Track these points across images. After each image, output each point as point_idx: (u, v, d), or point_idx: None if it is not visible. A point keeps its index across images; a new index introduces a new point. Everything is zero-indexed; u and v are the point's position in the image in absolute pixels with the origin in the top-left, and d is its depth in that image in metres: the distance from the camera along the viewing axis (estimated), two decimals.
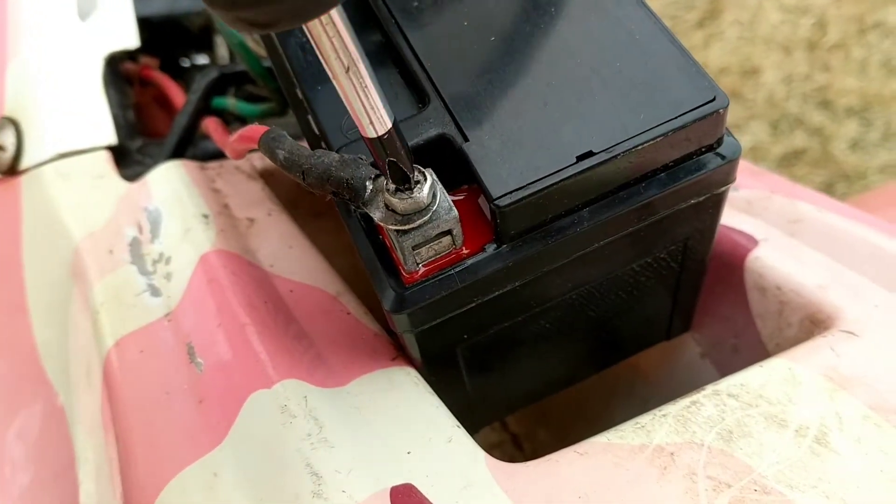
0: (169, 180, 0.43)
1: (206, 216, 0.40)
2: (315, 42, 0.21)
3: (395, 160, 0.25)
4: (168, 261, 0.39)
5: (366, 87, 0.22)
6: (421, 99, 0.30)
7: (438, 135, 0.29)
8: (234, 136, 0.35)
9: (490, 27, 0.31)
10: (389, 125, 0.24)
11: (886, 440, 0.29)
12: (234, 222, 0.40)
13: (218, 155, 0.49)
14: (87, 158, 0.48)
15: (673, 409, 0.30)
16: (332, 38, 0.21)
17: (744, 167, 0.51)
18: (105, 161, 0.48)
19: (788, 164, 1.32)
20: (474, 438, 0.44)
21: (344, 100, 0.23)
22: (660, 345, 0.43)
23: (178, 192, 0.42)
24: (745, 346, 0.40)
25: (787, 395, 0.31)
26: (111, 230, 0.42)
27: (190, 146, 0.50)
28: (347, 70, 0.22)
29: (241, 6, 0.18)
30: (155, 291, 0.38)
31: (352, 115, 0.24)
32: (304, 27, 0.20)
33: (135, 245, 0.40)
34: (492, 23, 0.31)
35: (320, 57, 0.22)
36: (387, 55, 0.32)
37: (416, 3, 0.32)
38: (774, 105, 1.37)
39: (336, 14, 0.20)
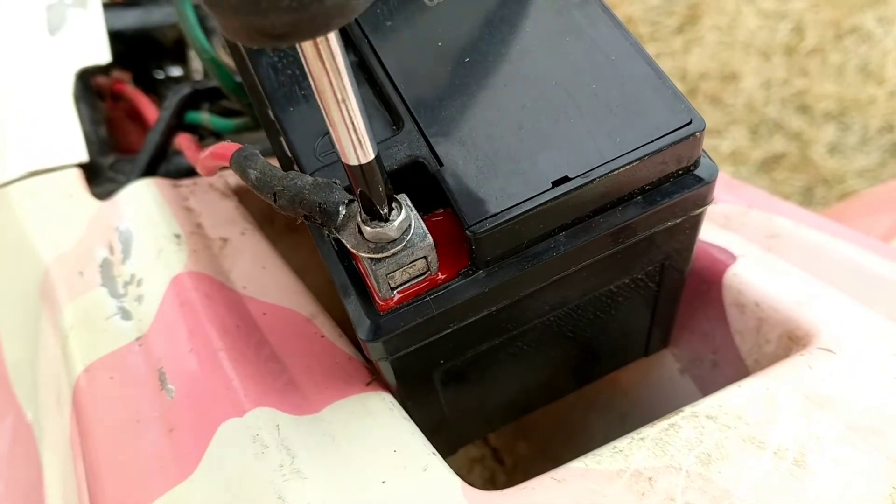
0: (141, 199, 0.42)
1: (178, 236, 0.39)
2: (308, 66, 0.21)
3: (374, 191, 0.25)
4: (140, 282, 0.38)
5: (354, 117, 0.22)
6: (395, 121, 0.30)
7: (412, 159, 0.28)
8: (205, 152, 0.34)
9: (464, 48, 0.30)
10: (372, 156, 0.23)
11: (864, 461, 0.29)
12: (207, 242, 0.40)
13: (192, 171, 0.48)
14: (57, 176, 0.47)
15: (651, 431, 0.30)
16: (327, 65, 0.20)
17: (721, 180, 0.51)
18: (76, 179, 0.47)
19: (768, 168, 1.33)
20: (455, 456, 0.43)
21: (329, 126, 0.22)
22: (639, 361, 0.43)
23: (150, 212, 0.41)
24: (725, 362, 0.40)
25: (766, 415, 0.30)
26: (82, 251, 0.41)
27: (163, 163, 0.49)
28: (338, 99, 0.21)
29: (242, 12, 0.17)
30: (126, 314, 0.37)
31: (335, 141, 0.23)
32: (299, 50, 0.20)
33: (106, 266, 0.40)
34: (466, 44, 0.30)
35: (311, 82, 0.21)
36: (360, 76, 0.31)
37: (388, 23, 0.31)
38: (754, 110, 1.38)
39: (333, 39, 0.20)
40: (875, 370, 0.32)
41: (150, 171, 0.48)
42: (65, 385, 0.36)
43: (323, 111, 0.22)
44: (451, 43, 0.31)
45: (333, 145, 0.29)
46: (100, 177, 0.49)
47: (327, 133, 0.30)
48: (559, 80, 0.29)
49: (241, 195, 0.45)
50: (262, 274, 0.38)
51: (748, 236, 0.41)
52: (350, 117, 0.22)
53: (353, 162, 0.24)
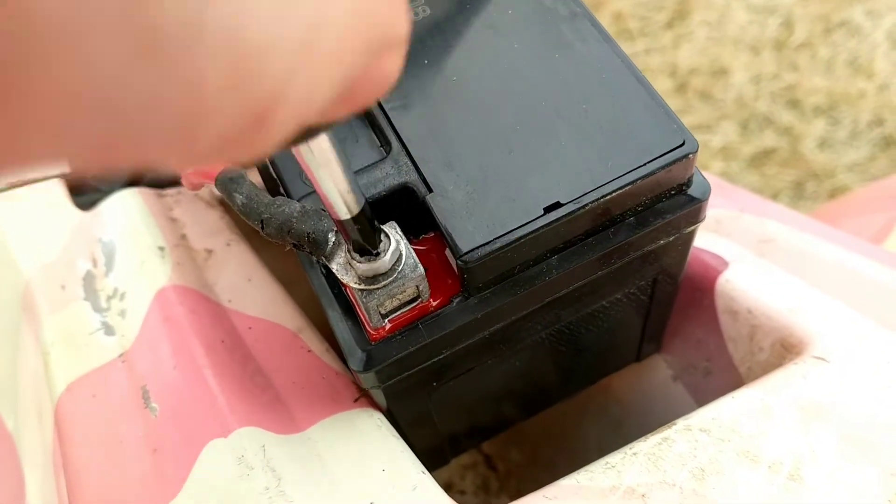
0: (124, 210, 0.42)
1: (162, 248, 0.38)
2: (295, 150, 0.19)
3: (363, 236, 0.24)
4: (123, 296, 0.37)
5: (338, 180, 0.21)
6: (383, 143, 0.29)
7: (401, 185, 0.28)
8: (190, 169, 0.34)
9: (451, 65, 0.29)
10: (358, 209, 0.22)
11: (859, 474, 0.29)
12: (192, 254, 0.39)
13: (178, 180, 0.48)
14: (39, 187, 0.46)
15: (644, 446, 0.29)
16: (311, 143, 0.19)
17: (714, 182, 0.50)
18: (58, 189, 0.46)
19: (759, 163, 1.33)
20: (448, 466, 0.43)
21: (315, 187, 0.21)
22: (632, 368, 0.43)
23: (134, 223, 0.40)
24: (718, 370, 0.39)
25: (760, 428, 0.30)
26: (64, 263, 0.40)
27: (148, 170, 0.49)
28: (321, 168, 0.20)
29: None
30: (109, 330, 0.36)
31: (321, 199, 0.22)
32: None
33: (88, 279, 0.39)
34: (453, 61, 0.29)
35: (295, 156, 0.20)
36: None
37: None
38: (744, 105, 1.37)
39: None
40: (869, 379, 0.32)
41: (135, 180, 0.48)
42: (46, 402, 0.36)
43: (307, 175, 0.21)
44: (438, 60, 0.30)
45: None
46: (83, 186, 0.48)
47: None
48: (549, 99, 0.28)
49: (226, 205, 0.44)
50: (248, 286, 0.37)
51: (740, 241, 0.40)
52: (334, 182, 0.21)
53: (341, 217, 0.23)
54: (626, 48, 1.44)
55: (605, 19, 1.48)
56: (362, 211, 0.22)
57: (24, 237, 0.43)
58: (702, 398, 0.41)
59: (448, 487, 0.54)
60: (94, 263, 0.40)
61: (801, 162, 1.30)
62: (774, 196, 1.28)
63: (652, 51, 1.44)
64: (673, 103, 1.38)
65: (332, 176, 0.20)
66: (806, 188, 1.29)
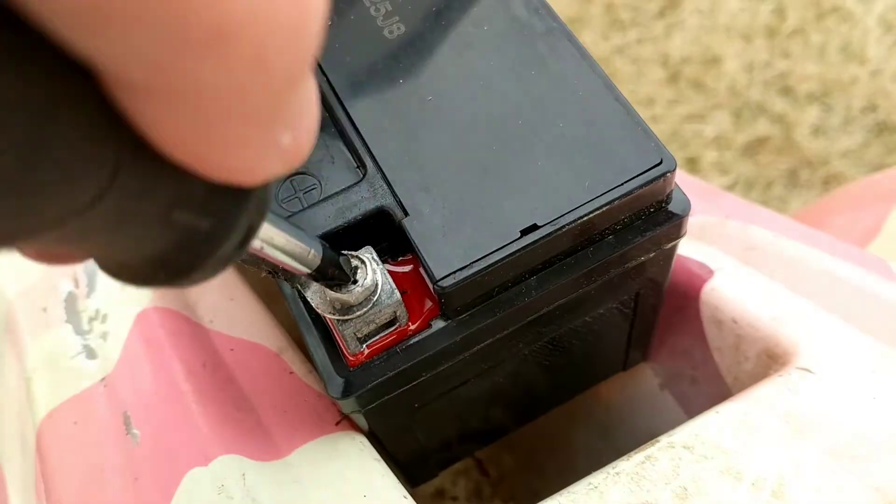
0: None
1: None
2: None
3: (330, 279, 0.24)
4: (104, 318, 0.37)
5: (284, 251, 0.20)
6: (359, 164, 0.29)
7: (377, 209, 0.27)
8: None
9: (426, 85, 0.29)
10: (318, 263, 0.22)
11: (843, 487, 0.29)
12: None
13: None
14: None
15: (626, 465, 0.29)
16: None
17: (699, 187, 0.50)
18: None
19: (753, 152, 1.32)
20: (438, 477, 0.43)
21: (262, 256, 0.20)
22: (620, 376, 0.43)
23: None
24: (704, 379, 0.39)
25: (744, 444, 0.30)
26: (46, 285, 0.40)
27: None
28: (262, 248, 0.19)
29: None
30: (91, 353, 0.36)
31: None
32: None
33: (70, 301, 0.39)
34: (427, 80, 0.29)
35: None
36: (322, 115, 0.30)
37: (348, 59, 0.30)
38: (737, 94, 1.37)
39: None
40: (855, 390, 0.32)
41: None
42: (29, 429, 0.35)
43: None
44: (413, 80, 0.29)
45: (297, 191, 0.28)
46: None
47: (289, 178, 0.29)
48: (526, 118, 0.28)
49: None
50: (230, 306, 0.37)
51: (725, 248, 0.40)
52: (280, 253, 0.20)
53: (301, 272, 0.22)
54: (618, 39, 1.43)
55: (596, 10, 1.47)
56: (323, 261, 0.22)
57: (5, 258, 0.43)
58: (689, 407, 0.41)
59: (440, 494, 0.54)
60: (76, 284, 0.39)
61: (795, 150, 1.30)
62: (768, 185, 1.28)
63: (644, 41, 1.43)
64: (665, 93, 1.37)
65: (278, 249, 0.20)
66: (800, 176, 1.28)
